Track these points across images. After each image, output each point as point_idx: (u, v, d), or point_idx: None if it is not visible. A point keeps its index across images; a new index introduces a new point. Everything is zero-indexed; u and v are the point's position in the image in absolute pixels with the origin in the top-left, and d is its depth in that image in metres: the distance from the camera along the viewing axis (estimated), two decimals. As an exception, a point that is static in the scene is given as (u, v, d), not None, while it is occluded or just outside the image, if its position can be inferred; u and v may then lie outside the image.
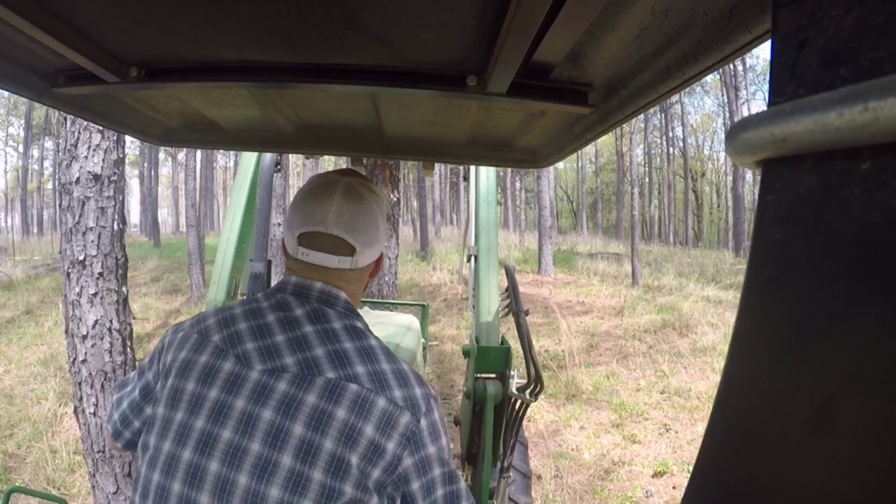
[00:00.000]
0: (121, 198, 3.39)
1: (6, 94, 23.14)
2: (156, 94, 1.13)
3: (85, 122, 3.23)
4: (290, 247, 0.92)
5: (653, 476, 4.00)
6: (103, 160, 3.28)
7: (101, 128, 3.24)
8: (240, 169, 2.23)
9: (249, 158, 2.20)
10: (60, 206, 3.33)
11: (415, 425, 0.80)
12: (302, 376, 0.79)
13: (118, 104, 1.18)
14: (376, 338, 0.89)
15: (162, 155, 30.21)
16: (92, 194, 3.25)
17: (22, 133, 31.60)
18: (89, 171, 3.24)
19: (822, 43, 0.26)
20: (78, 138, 3.24)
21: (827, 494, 0.23)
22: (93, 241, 3.25)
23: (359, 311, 0.94)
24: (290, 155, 2.31)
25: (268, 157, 2.19)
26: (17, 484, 3.83)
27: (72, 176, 3.24)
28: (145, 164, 27.32)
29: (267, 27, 0.72)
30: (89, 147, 3.24)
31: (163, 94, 1.11)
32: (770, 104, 0.29)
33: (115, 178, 3.34)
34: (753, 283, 0.30)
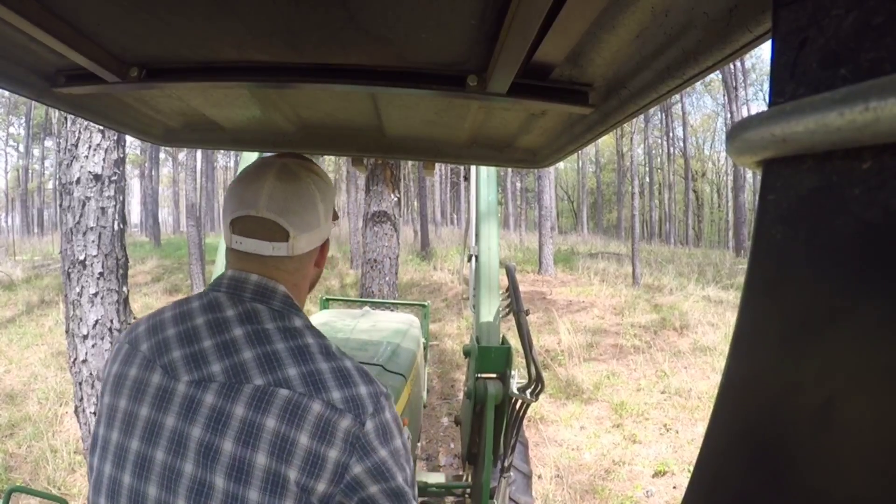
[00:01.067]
0: (121, 198, 3.40)
1: (6, 93, 23.15)
2: (156, 94, 1.13)
3: (85, 122, 3.23)
4: (226, 236, 0.85)
5: (653, 476, 4.00)
6: (104, 160, 3.28)
7: (101, 128, 3.24)
8: (240, 169, 2.23)
9: (249, 158, 2.20)
10: (61, 205, 3.33)
11: (358, 429, 0.73)
12: (229, 385, 0.73)
13: (119, 104, 1.18)
14: (317, 334, 0.82)
15: (163, 155, 30.25)
16: (92, 194, 3.25)
17: (22, 133, 31.62)
18: (90, 171, 3.24)
19: (823, 43, 0.26)
20: (78, 138, 3.24)
21: (828, 494, 0.23)
22: (93, 241, 3.26)
23: (300, 305, 0.88)
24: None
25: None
26: (18, 483, 3.83)
27: (72, 176, 3.24)
28: (146, 164, 27.32)
29: (267, 27, 0.72)
30: (90, 147, 3.25)
31: (163, 93, 1.12)
32: (770, 104, 0.28)
33: (115, 177, 3.34)
34: (754, 283, 0.30)
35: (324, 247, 0.92)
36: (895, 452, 0.20)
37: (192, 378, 0.75)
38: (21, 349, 6.77)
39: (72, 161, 3.24)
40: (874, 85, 0.21)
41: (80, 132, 3.24)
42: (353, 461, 0.73)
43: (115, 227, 3.34)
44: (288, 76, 0.87)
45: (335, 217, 0.95)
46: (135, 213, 43.62)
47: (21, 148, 32.42)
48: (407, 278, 11.43)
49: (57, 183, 3.65)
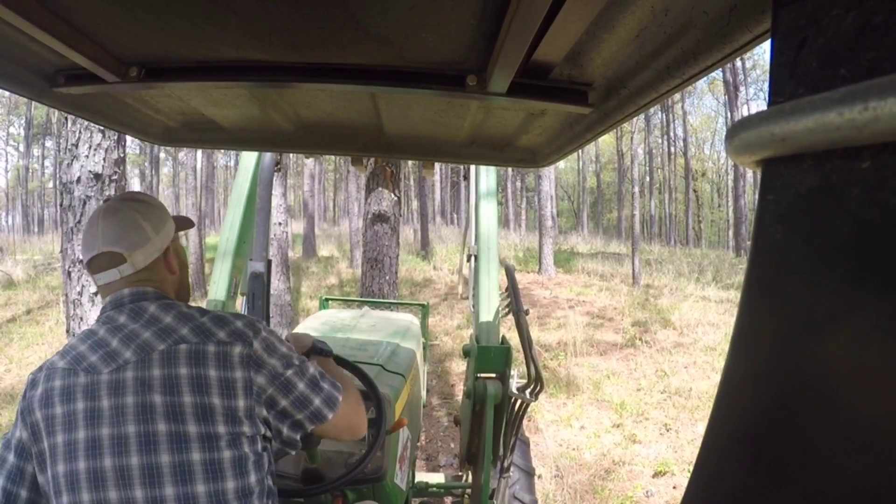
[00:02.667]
0: (121, 197, 3.39)
1: (6, 93, 23.11)
2: (156, 94, 1.13)
3: (86, 122, 3.23)
4: (90, 278, 1.02)
5: (653, 476, 4.00)
6: (104, 159, 3.28)
7: (101, 127, 3.24)
8: (240, 168, 2.23)
9: (249, 158, 2.20)
10: (61, 205, 3.34)
11: (248, 349, 0.94)
12: (141, 359, 0.90)
13: (118, 104, 1.18)
14: (190, 306, 1.01)
15: (163, 154, 30.23)
16: (93, 193, 3.25)
17: (23, 132, 31.62)
18: (90, 171, 3.24)
19: (822, 42, 0.26)
20: (79, 138, 3.24)
21: (826, 493, 0.23)
22: (93, 241, 3.25)
23: (177, 299, 1.05)
24: (291, 154, 2.30)
25: (268, 156, 2.19)
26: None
27: (73, 175, 3.24)
28: (146, 164, 27.33)
29: (267, 26, 0.72)
30: (90, 146, 3.25)
31: (163, 93, 1.12)
32: (770, 104, 0.28)
33: (115, 177, 3.34)
34: (753, 283, 0.30)
35: (168, 255, 1.05)
36: (893, 452, 0.20)
37: (111, 368, 0.90)
38: (21, 349, 6.77)
39: (72, 160, 3.24)
40: (873, 85, 0.21)
41: (80, 132, 3.24)
42: (253, 374, 0.93)
43: (115, 226, 3.34)
44: (287, 76, 0.87)
45: (185, 226, 1.13)
46: (135, 212, 43.44)
47: (21, 148, 32.42)
48: (407, 278, 11.43)
49: (57, 182, 3.65)
